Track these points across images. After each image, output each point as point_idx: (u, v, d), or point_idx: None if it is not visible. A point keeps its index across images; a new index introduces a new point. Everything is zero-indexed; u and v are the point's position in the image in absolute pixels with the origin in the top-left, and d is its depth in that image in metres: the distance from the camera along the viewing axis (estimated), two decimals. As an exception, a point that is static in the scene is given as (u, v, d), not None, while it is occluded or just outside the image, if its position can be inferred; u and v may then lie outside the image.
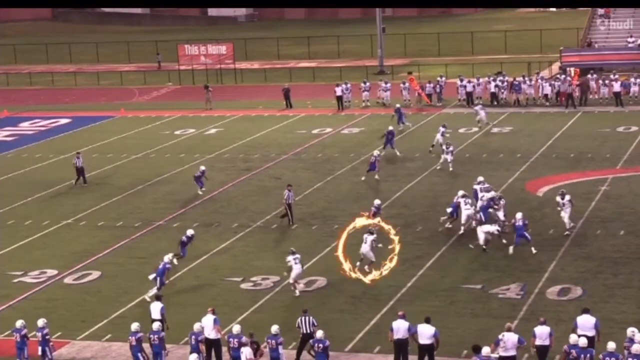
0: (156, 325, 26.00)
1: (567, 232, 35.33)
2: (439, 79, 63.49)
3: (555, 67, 70.59)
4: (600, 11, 75.74)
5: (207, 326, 25.83)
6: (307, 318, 25.87)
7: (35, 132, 60.52)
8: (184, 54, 77.34)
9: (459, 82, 62.23)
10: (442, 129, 48.56)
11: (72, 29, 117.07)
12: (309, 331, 25.61)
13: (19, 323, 26.25)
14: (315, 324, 25.77)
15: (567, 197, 35.71)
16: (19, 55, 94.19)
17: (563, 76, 62.07)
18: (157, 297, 28.08)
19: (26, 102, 71.87)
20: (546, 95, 60.54)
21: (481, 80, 62.33)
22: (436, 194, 41.21)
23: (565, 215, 35.58)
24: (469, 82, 61.76)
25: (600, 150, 48.30)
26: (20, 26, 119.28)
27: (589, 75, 62.23)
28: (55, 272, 34.16)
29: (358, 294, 30.62)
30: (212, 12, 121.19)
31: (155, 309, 27.49)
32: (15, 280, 33.59)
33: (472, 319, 28.37)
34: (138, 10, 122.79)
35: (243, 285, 32.00)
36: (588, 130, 53.01)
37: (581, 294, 29.84)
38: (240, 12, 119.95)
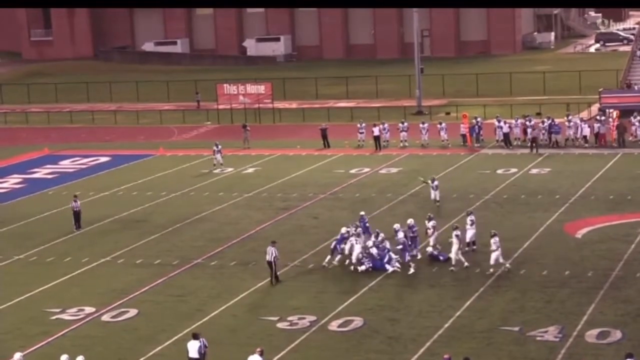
0: (193, 364, 26.09)
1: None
2: (477, 119, 63.33)
3: (595, 108, 70.30)
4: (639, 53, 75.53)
5: (253, 366, 26.02)
6: None
7: (75, 170, 61.04)
8: (223, 94, 77.76)
9: (496, 123, 62.11)
10: (432, 183, 46.75)
11: (112, 68, 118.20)
12: None
13: (63, 357, 26.41)
14: None
15: None
16: (60, 94, 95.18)
17: (603, 117, 61.78)
18: (194, 336, 28.13)
19: (67, 140, 72.58)
20: (585, 136, 60.27)
21: (519, 121, 62.17)
22: (474, 235, 41.02)
23: None
24: (505, 122, 61.53)
25: (640, 192, 48.00)
26: (61, 65, 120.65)
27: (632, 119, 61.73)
28: (93, 309, 34.34)
29: (395, 335, 30.52)
30: (251, 52, 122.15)
31: (193, 347, 27.55)
32: (53, 318, 33.80)
33: (509, 362, 28.19)
34: (178, 50, 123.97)
35: (279, 325, 32.01)
36: (627, 171, 52.65)
37: (621, 337, 29.55)
38: (279, 52, 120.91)
